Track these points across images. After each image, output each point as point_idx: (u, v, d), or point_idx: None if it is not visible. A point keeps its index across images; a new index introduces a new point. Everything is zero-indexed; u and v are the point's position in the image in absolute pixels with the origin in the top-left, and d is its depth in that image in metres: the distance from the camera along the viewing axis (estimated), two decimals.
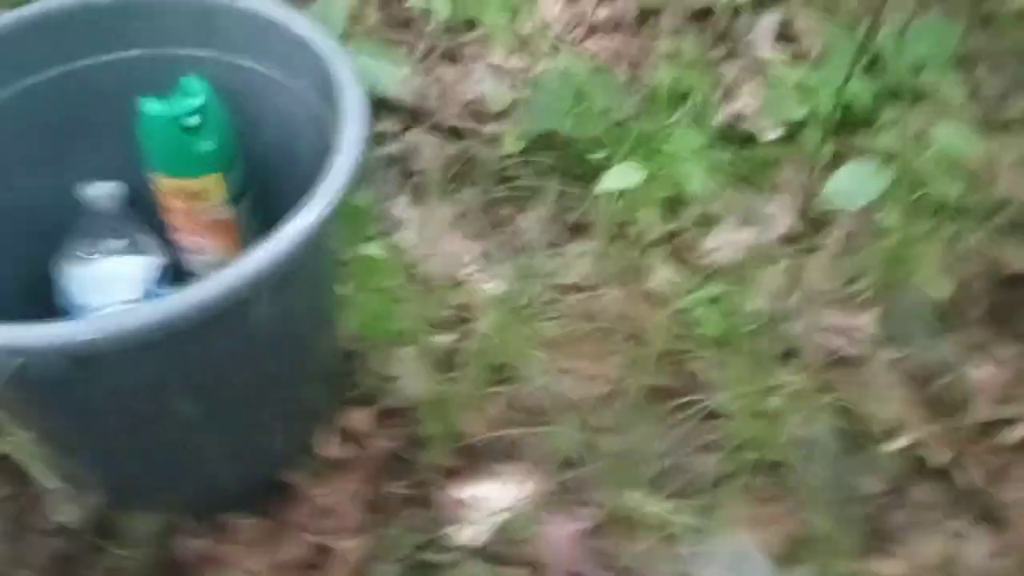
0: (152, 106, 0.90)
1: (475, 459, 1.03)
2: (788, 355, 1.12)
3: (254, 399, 0.92)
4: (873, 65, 1.35)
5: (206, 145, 0.91)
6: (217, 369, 0.85)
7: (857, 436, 1.05)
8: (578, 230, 1.25)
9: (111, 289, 0.96)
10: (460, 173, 1.30)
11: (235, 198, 0.96)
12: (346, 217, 0.99)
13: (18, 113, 0.93)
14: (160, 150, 0.92)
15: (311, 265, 0.86)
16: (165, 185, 0.94)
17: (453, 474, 1.02)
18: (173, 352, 0.77)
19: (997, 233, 1.25)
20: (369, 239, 1.12)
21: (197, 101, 0.90)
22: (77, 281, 0.97)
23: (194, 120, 0.89)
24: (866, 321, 1.17)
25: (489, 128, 1.34)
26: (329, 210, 0.77)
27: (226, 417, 0.91)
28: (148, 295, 0.96)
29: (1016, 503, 1.02)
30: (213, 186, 0.93)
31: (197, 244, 0.99)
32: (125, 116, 0.93)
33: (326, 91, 0.88)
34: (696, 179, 1.11)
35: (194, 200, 0.94)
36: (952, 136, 1.19)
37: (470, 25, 1.46)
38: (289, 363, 0.93)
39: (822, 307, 1.18)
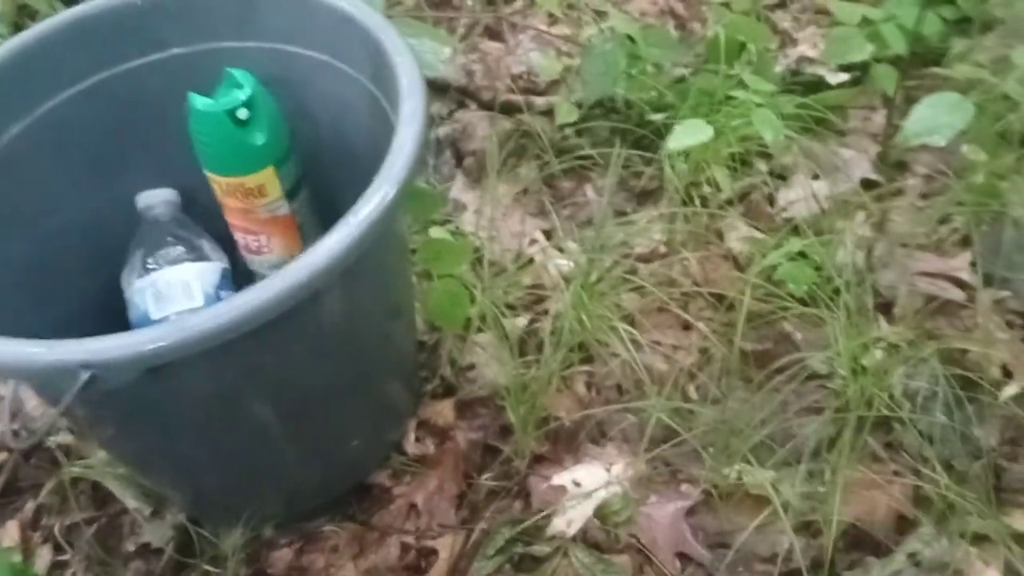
0: (200, 101, 0.86)
1: (563, 443, 0.99)
2: (884, 306, 1.06)
3: (332, 400, 0.88)
4: None
5: (257, 138, 0.87)
6: (292, 370, 0.81)
7: (967, 385, 0.98)
8: (646, 196, 1.20)
9: (173, 298, 0.92)
10: (515, 150, 1.25)
11: (291, 192, 0.92)
12: (411, 200, 0.95)
13: (64, 125, 0.90)
14: (212, 147, 0.88)
15: (382, 252, 0.82)
16: (221, 184, 0.90)
17: (542, 460, 0.98)
18: (248, 354, 0.73)
19: None
20: (431, 224, 1.07)
21: (244, 93, 0.85)
22: (141, 293, 0.93)
23: (243, 113, 0.85)
24: (962, 263, 1.10)
25: (541, 100, 1.29)
26: (398, 188, 0.72)
27: (304, 420, 0.87)
28: (210, 301, 0.93)
29: None
30: (268, 181, 0.89)
31: (257, 243, 0.95)
32: (175, 118, 0.89)
33: (377, 67, 0.84)
34: (769, 126, 1.04)
35: (250, 197, 0.90)
36: None
37: None
38: (366, 359, 0.89)
39: (912, 252, 1.11)
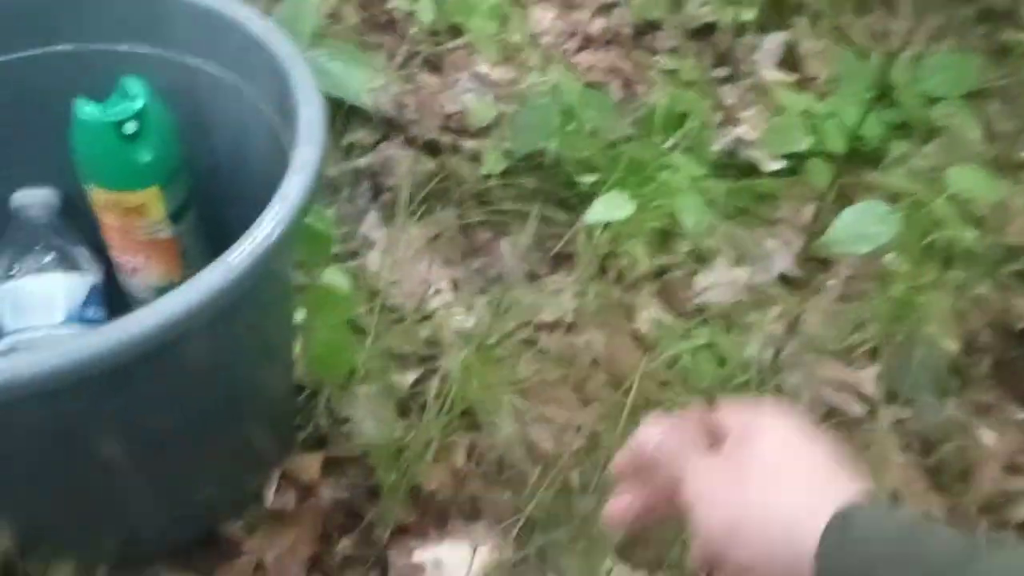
0: (86, 109, 0.79)
1: (432, 515, 0.93)
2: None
3: (186, 443, 0.82)
4: (884, 96, 1.27)
5: (144, 155, 0.80)
6: (144, 411, 0.75)
7: None
8: (560, 261, 1.16)
9: (32, 311, 0.86)
10: (436, 192, 1.20)
11: (176, 215, 0.86)
12: (302, 241, 0.90)
13: None
14: (93, 159, 0.82)
15: (258, 295, 0.77)
16: (99, 198, 0.84)
17: (407, 531, 0.92)
18: (93, 394, 0.68)
19: (1008, 283, 1.17)
20: (330, 262, 1.01)
21: (135, 105, 0.79)
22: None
23: (131, 127, 0.79)
24: (868, 376, 1.08)
25: (470, 144, 1.24)
26: (276, 239, 0.67)
27: (153, 462, 0.81)
28: (72, 318, 0.86)
29: None
30: (151, 201, 0.83)
31: (134, 264, 0.88)
32: (61, 118, 0.82)
33: (282, 99, 0.78)
34: (691, 212, 1.01)
35: (130, 216, 0.84)
36: (968, 178, 1.11)
37: (455, 31, 1.36)
38: (229, 403, 0.83)
39: (821, 358, 1.09)
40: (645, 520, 0.54)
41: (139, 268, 0.88)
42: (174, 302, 0.65)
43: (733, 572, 0.47)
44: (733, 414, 0.52)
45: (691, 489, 0.49)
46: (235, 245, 0.67)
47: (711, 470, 0.49)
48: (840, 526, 0.43)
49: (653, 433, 0.53)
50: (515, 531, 0.91)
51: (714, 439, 0.51)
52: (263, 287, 0.77)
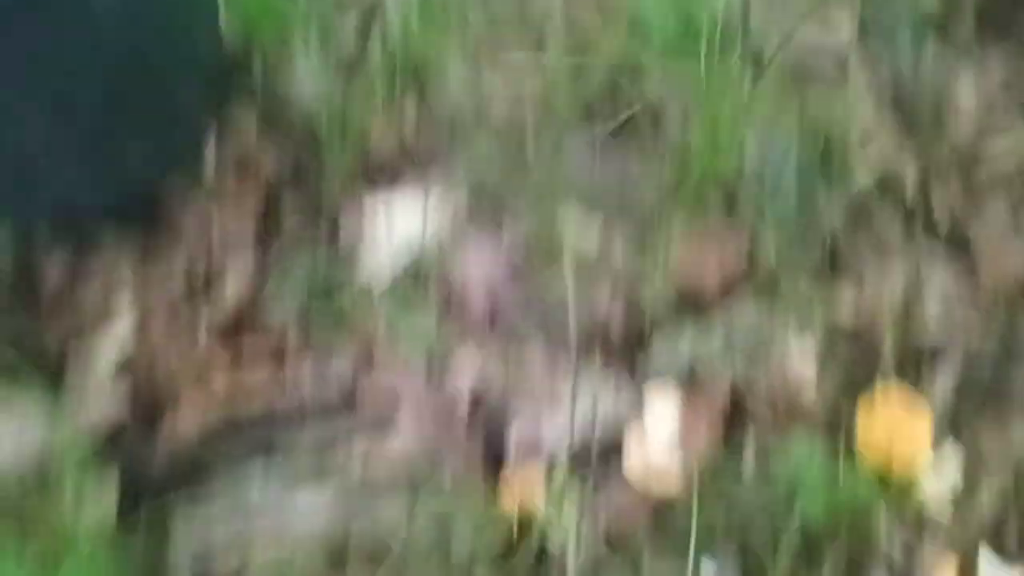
0: None
1: (382, 175, 0.90)
2: (756, 64, 0.97)
3: (111, 100, 0.77)
4: None
5: None
6: (56, 58, 0.71)
7: (823, 155, 0.92)
8: None
9: None
10: None
11: None
12: None
13: None
14: None
15: None
16: None
17: (356, 194, 0.89)
18: None
19: None
20: None
21: None
22: None
23: None
24: (845, 31, 1.02)
25: None
26: None
27: (75, 119, 0.77)
28: None
29: (983, 237, 0.90)
30: None
31: None
32: None
33: None
34: None
35: None
36: None
37: None
38: (151, 55, 0.78)
39: (796, 14, 1.02)
40: None
41: None
42: None
43: None
44: None
45: None
46: None
47: None
48: None
49: None
50: (469, 187, 0.88)
51: None
52: None
